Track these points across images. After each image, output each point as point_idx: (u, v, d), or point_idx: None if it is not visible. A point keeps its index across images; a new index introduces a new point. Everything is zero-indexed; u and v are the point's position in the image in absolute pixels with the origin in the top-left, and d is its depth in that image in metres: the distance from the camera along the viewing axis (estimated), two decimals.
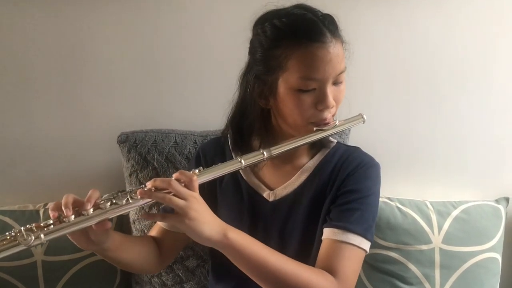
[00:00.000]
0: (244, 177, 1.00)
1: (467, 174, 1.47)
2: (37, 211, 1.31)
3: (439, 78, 1.42)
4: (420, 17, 1.39)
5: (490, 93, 1.43)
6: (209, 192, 1.03)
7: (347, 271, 0.84)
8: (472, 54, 1.41)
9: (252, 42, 0.91)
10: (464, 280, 1.30)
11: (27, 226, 0.71)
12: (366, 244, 0.88)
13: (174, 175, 0.79)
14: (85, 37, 1.37)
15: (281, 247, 0.89)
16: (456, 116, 1.44)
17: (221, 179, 1.03)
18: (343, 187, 0.92)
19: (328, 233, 0.88)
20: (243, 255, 0.80)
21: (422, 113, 1.44)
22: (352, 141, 1.33)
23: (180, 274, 1.26)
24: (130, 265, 0.94)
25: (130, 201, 0.76)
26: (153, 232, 1.03)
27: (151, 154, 1.26)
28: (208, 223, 0.78)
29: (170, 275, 1.26)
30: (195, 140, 1.29)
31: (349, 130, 1.34)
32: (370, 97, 1.43)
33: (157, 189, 0.77)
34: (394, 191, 1.41)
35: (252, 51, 0.91)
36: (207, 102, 1.40)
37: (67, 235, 0.74)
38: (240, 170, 0.99)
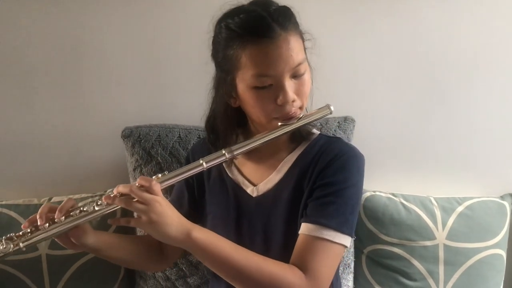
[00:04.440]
0: (229, 174, 1.01)
1: (472, 170, 1.46)
2: (42, 205, 1.31)
3: (443, 74, 1.41)
4: (423, 11, 1.38)
5: (496, 89, 1.42)
6: (199, 191, 1.05)
7: (318, 267, 0.83)
8: (476, 49, 1.40)
9: (213, 44, 0.91)
10: (468, 276, 1.30)
11: (8, 235, 0.81)
12: (342, 238, 0.85)
13: (137, 181, 0.82)
14: (89, 32, 1.37)
15: (266, 242, 0.90)
16: (461, 111, 1.43)
17: (208, 177, 1.04)
18: (319, 180, 0.89)
19: (302, 228, 0.86)
20: (208, 253, 0.82)
21: (427, 109, 1.43)
22: (356, 137, 1.32)
23: (183, 268, 1.27)
24: (128, 262, 0.99)
25: (96, 208, 0.82)
26: None
27: (155, 149, 1.26)
28: (170, 225, 0.80)
29: (174, 269, 1.27)
30: (199, 135, 1.29)
31: (354, 126, 1.34)
32: (374, 93, 1.42)
33: (122, 194, 0.81)
34: (398, 186, 1.41)
35: (213, 53, 0.91)
36: None
37: (54, 238, 0.83)
38: (225, 168, 1.01)
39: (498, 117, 1.44)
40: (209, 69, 1.40)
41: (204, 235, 0.82)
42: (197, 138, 1.28)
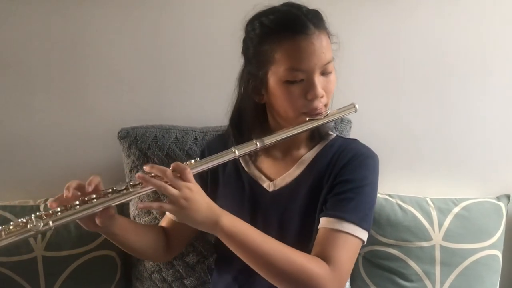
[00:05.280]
0: (246, 169, 1.04)
1: (468, 171, 1.46)
2: (38, 207, 1.31)
3: (440, 74, 1.42)
4: (421, 13, 1.39)
5: (492, 90, 1.43)
6: (212, 186, 1.08)
7: (341, 259, 0.86)
8: (473, 49, 1.40)
9: (244, 41, 0.96)
10: (464, 277, 1.30)
11: (37, 213, 0.77)
12: (361, 233, 0.89)
13: (171, 166, 0.84)
14: (87, 33, 1.37)
15: (281, 236, 0.91)
16: (457, 112, 1.44)
17: (223, 170, 1.07)
18: (339, 177, 0.93)
19: (323, 222, 0.90)
20: (237, 240, 0.85)
21: (424, 110, 1.44)
22: (353, 136, 1.31)
23: (180, 270, 1.26)
24: (136, 249, 1.00)
25: (131, 189, 0.82)
26: (163, 223, 1.09)
27: (151, 150, 1.26)
28: (200, 211, 0.83)
29: (170, 270, 1.26)
30: (195, 136, 1.29)
31: (350, 127, 1.34)
32: (371, 93, 1.42)
33: (154, 176, 0.82)
34: (395, 187, 1.42)
35: (244, 50, 0.96)
36: (207, 98, 1.40)
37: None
38: (242, 162, 1.04)
39: (495, 118, 1.44)
40: (206, 70, 1.41)
41: (232, 223, 0.85)
42: (194, 139, 1.28)
